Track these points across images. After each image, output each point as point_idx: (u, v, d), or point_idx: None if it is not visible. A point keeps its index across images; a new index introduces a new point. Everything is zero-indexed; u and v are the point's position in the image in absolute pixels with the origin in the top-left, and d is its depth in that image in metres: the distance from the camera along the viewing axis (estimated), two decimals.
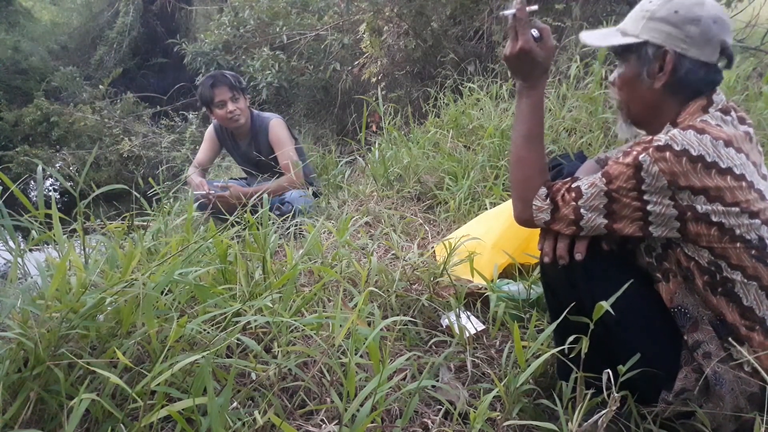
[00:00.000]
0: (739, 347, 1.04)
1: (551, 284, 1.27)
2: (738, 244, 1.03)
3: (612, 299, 1.03)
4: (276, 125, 2.99)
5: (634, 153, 1.04)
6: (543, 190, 1.15)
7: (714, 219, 1.02)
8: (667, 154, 1.00)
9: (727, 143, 1.02)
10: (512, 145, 1.22)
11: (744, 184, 1.02)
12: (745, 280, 1.04)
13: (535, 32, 1.14)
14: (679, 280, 1.12)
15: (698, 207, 1.01)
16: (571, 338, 1.12)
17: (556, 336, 1.24)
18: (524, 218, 1.19)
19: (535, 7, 1.15)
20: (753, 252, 1.03)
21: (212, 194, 2.76)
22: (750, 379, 1.05)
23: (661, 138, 1.03)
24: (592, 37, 1.21)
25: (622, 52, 1.17)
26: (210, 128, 3.16)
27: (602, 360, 1.08)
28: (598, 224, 1.10)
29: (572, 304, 1.15)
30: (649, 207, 1.04)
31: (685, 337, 1.11)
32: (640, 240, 1.18)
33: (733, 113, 1.09)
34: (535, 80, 1.18)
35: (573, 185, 1.12)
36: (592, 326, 1.06)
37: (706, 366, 1.06)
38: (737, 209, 1.01)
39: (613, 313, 1.04)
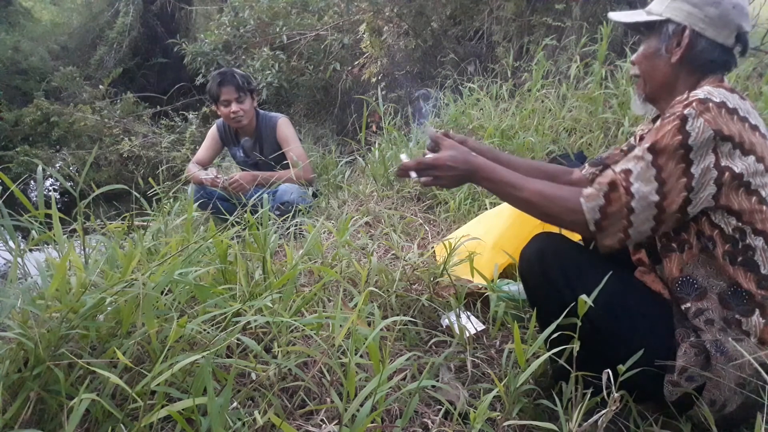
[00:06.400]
0: (737, 346, 1.04)
1: (530, 285, 1.31)
2: (764, 208, 1.06)
3: (594, 293, 1.05)
4: (284, 124, 3.09)
5: (677, 111, 1.06)
6: (588, 189, 1.14)
7: (747, 179, 1.04)
8: (710, 104, 1.04)
9: (751, 105, 1.08)
10: (527, 206, 1.24)
11: (766, 142, 1.07)
12: (766, 246, 1.07)
13: (413, 174, 1.29)
14: (694, 252, 1.12)
15: (736, 165, 1.03)
16: (555, 335, 1.12)
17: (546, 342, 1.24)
18: (575, 220, 1.15)
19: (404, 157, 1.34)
20: None
21: (219, 178, 2.86)
22: (754, 349, 1.05)
23: (698, 92, 1.07)
24: (619, 15, 1.28)
25: (645, 29, 1.24)
26: (213, 128, 3.19)
27: (595, 355, 1.09)
28: (650, 201, 1.06)
29: (553, 305, 1.17)
30: (692, 168, 1.04)
31: (689, 305, 1.12)
32: None
33: (743, 96, 1.14)
34: (465, 178, 1.29)
35: (618, 168, 1.11)
36: (579, 323, 1.06)
37: (707, 332, 1.08)
38: (762, 167, 1.05)
39: (593, 306, 1.05)
